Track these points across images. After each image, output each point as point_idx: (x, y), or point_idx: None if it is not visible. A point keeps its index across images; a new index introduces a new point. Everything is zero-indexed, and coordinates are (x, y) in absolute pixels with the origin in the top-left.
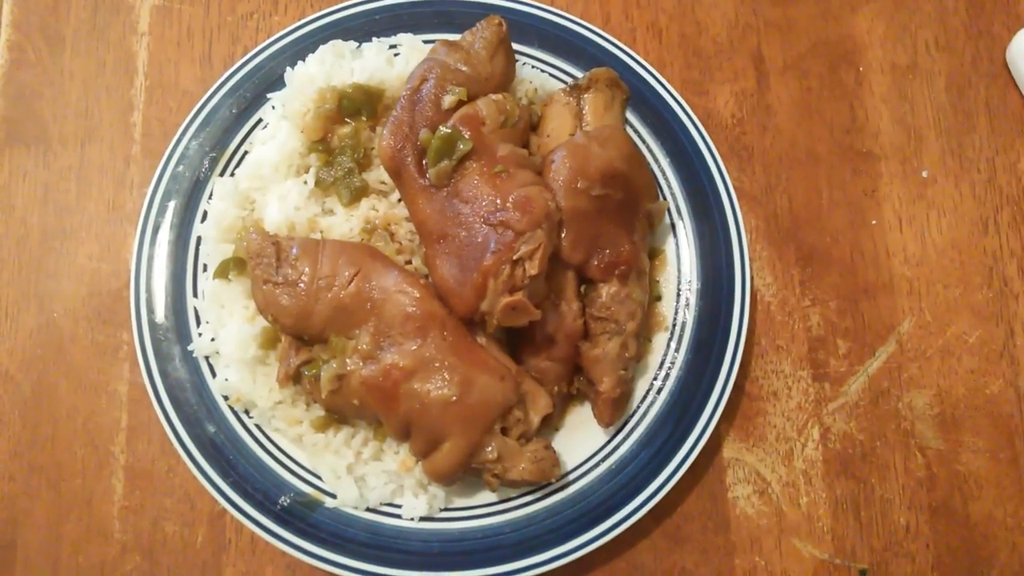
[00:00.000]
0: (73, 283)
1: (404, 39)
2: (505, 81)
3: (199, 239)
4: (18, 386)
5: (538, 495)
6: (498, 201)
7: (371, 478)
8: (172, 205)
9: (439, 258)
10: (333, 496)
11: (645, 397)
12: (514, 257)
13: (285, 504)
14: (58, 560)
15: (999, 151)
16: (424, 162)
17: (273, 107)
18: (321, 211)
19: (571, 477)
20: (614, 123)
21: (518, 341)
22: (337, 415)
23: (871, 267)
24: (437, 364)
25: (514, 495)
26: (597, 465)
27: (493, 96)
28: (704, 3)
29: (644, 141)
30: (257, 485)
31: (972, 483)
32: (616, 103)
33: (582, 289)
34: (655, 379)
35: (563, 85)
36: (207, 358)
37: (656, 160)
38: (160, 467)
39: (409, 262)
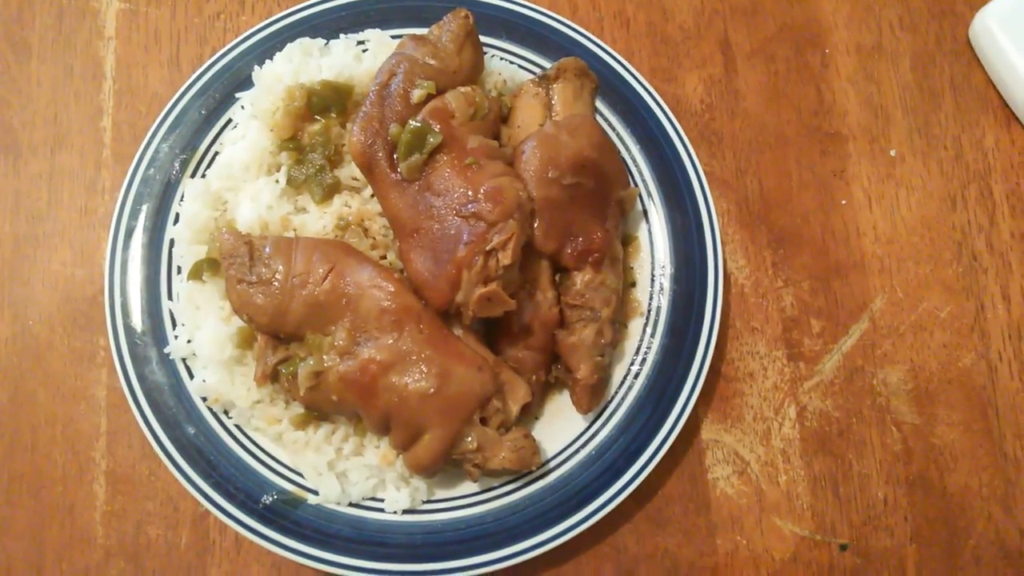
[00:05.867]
0: (48, 290)
1: (371, 35)
2: (473, 74)
3: (172, 241)
4: None
5: (519, 483)
6: (470, 193)
7: (353, 473)
8: (144, 208)
9: (413, 252)
10: (315, 493)
11: (623, 383)
12: (487, 248)
13: (268, 503)
14: (42, 568)
15: (965, 128)
16: (395, 156)
17: (242, 107)
18: (294, 209)
19: (552, 464)
20: (584, 112)
21: (495, 332)
22: (316, 412)
23: (842, 246)
24: (414, 357)
25: (496, 484)
26: (577, 451)
27: (462, 89)
28: None
29: (614, 129)
30: (239, 485)
31: (947, 455)
32: (585, 92)
33: (557, 278)
34: (632, 364)
35: (532, 76)
36: (184, 360)
37: (626, 147)
38: (141, 471)
39: (384, 257)
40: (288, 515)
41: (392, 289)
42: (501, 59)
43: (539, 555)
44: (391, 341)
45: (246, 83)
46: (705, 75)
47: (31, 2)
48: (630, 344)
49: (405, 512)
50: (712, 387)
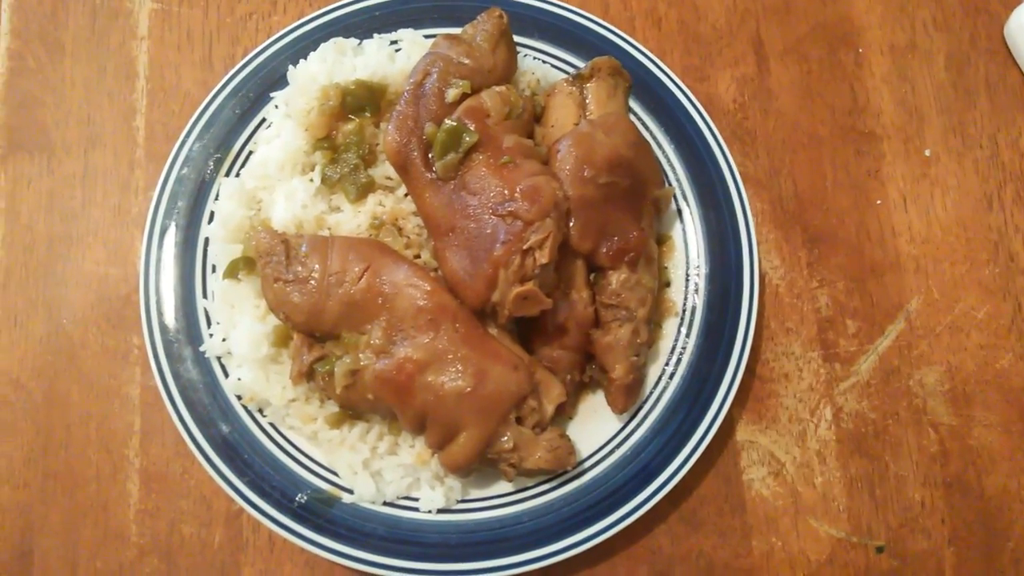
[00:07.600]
0: (81, 289)
1: (405, 34)
2: (508, 73)
3: (207, 240)
4: (30, 393)
5: (554, 483)
6: (506, 192)
7: (387, 472)
8: (178, 207)
9: (448, 251)
10: (350, 491)
11: (658, 383)
12: (524, 247)
13: (302, 501)
14: (76, 566)
15: (1001, 127)
16: (430, 156)
17: (276, 106)
18: (328, 208)
19: (586, 465)
20: (618, 111)
21: (530, 331)
22: (351, 411)
23: (877, 247)
24: (450, 356)
25: (530, 484)
26: (612, 452)
27: (497, 88)
28: None
29: (648, 128)
30: (273, 483)
31: (985, 457)
32: (619, 91)
33: (592, 277)
34: (667, 364)
35: (565, 75)
36: (219, 358)
37: (660, 147)
38: (175, 469)
39: (418, 256)
40: (322, 513)
41: (428, 288)
42: (534, 58)
43: (574, 556)
44: (427, 340)
45: (280, 82)
46: (738, 74)
47: (65, 2)
48: (665, 344)
49: (440, 511)
50: (747, 388)
